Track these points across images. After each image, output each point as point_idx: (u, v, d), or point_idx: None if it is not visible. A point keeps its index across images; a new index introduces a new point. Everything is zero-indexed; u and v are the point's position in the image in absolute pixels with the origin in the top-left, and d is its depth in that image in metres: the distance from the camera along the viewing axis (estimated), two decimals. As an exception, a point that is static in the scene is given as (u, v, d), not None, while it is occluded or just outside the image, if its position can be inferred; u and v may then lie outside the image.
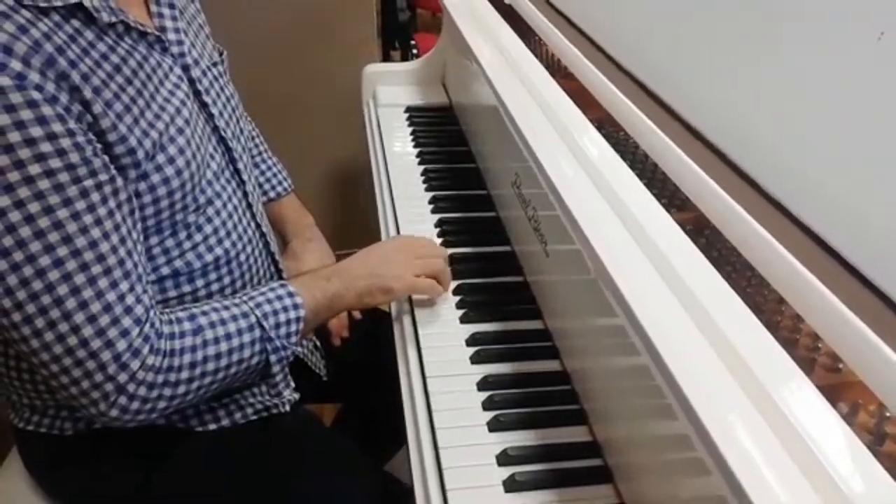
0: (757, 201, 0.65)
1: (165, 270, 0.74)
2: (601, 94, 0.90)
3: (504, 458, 0.68)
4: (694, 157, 0.71)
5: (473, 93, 1.21)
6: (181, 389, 0.69)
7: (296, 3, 1.61)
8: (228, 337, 0.71)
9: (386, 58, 2.70)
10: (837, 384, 0.50)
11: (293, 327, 0.75)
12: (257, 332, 0.73)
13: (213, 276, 0.78)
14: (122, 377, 0.65)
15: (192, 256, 0.75)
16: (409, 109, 1.37)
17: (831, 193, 0.59)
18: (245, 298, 0.75)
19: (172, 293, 0.75)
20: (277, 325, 0.74)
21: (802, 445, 0.45)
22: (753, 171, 0.68)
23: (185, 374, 0.69)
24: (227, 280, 0.80)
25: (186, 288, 0.76)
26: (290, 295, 0.76)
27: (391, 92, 1.42)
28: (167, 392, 0.68)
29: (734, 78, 0.73)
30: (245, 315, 0.73)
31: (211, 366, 0.70)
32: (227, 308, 0.73)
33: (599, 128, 0.84)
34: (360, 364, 1.03)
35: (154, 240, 0.72)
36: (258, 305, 0.74)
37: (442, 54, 1.45)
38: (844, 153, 0.59)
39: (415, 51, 2.35)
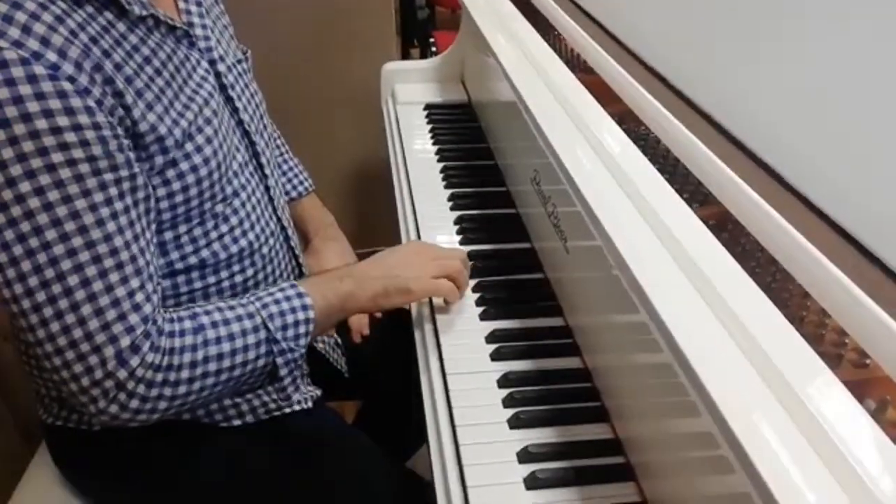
0: (781, 195, 0.64)
1: (193, 260, 0.75)
2: (621, 88, 0.90)
3: (525, 456, 0.68)
4: (716, 152, 0.70)
5: (492, 89, 1.21)
6: (182, 389, 0.68)
7: (315, 2, 1.62)
8: (231, 337, 0.70)
9: (405, 55, 2.71)
10: (865, 380, 0.50)
11: (301, 329, 0.74)
12: (262, 334, 0.72)
13: (236, 267, 0.79)
14: (122, 374, 0.64)
15: (217, 247, 0.76)
16: (428, 107, 1.37)
17: (855, 186, 0.58)
18: (252, 299, 0.74)
19: (198, 284, 0.76)
20: (284, 327, 0.73)
21: (829, 442, 0.44)
22: (777, 164, 0.67)
23: (185, 374, 0.68)
24: (249, 272, 0.80)
25: (211, 279, 0.77)
26: (300, 296, 0.74)
27: (410, 89, 1.42)
28: (167, 391, 0.67)
29: (757, 71, 0.72)
30: (250, 315, 0.72)
31: (213, 366, 0.69)
32: (231, 308, 0.72)
33: (620, 123, 0.83)
34: (380, 361, 1.03)
35: (182, 228, 0.73)
36: (265, 306, 0.73)
37: (461, 51, 1.44)
38: (869, 146, 0.57)
39: (433, 48, 2.34)
